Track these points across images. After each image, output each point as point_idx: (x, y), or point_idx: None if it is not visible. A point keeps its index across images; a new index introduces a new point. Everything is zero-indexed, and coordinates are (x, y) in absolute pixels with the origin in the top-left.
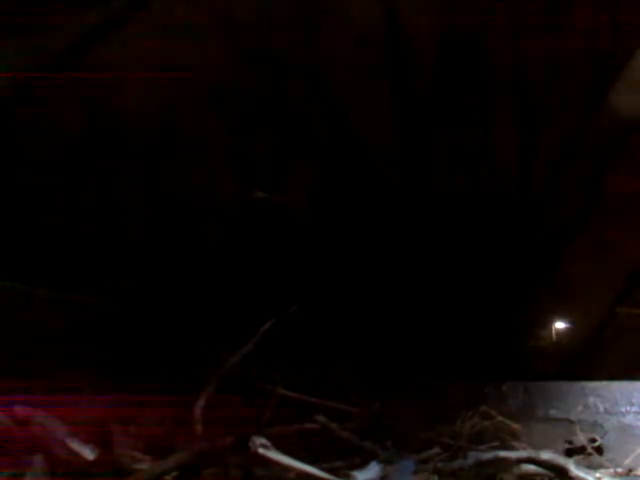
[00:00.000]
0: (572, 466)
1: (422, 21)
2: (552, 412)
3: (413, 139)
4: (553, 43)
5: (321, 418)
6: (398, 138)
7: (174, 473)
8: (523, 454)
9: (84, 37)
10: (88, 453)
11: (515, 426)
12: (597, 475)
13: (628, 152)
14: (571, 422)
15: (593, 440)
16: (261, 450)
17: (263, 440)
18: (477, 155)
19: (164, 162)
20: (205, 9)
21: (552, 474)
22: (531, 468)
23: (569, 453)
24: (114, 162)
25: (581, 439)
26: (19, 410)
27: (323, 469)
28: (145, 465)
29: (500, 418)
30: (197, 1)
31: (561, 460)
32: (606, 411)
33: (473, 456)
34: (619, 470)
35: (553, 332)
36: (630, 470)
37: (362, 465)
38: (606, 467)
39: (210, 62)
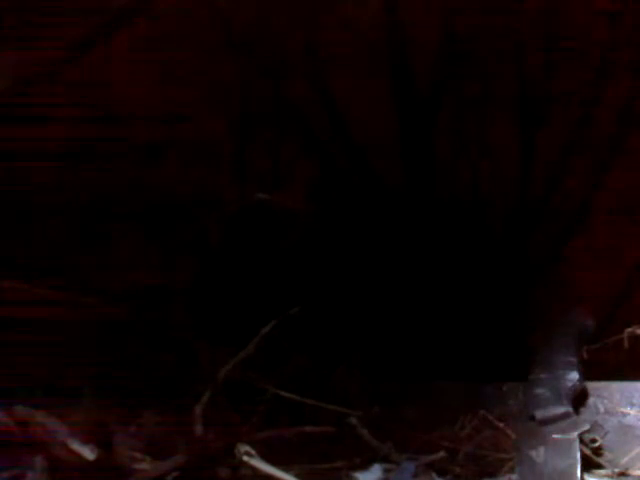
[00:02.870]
0: (585, 475)
1: (423, 21)
2: None
3: (413, 139)
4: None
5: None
6: (398, 138)
7: (174, 474)
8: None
9: (83, 39)
10: (88, 453)
11: (513, 435)
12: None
13: (628, 151)
14: None
15: (593, 440)
16: (245, 458)
17: (248, 448)
18: (477, 154)
19: (164, 163)
20: (205, 9)
21: None
22: None
23: None
24: (113, 162)
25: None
26: (19, 410)
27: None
28: (145, 465)
29: (499, 424)
30: (197, 1)
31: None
32: (606, 411)
33: None
34: (617, 470)
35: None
36: (627, 469)
37: (363, 466)
38: (605, 468)
39: (210, 62)
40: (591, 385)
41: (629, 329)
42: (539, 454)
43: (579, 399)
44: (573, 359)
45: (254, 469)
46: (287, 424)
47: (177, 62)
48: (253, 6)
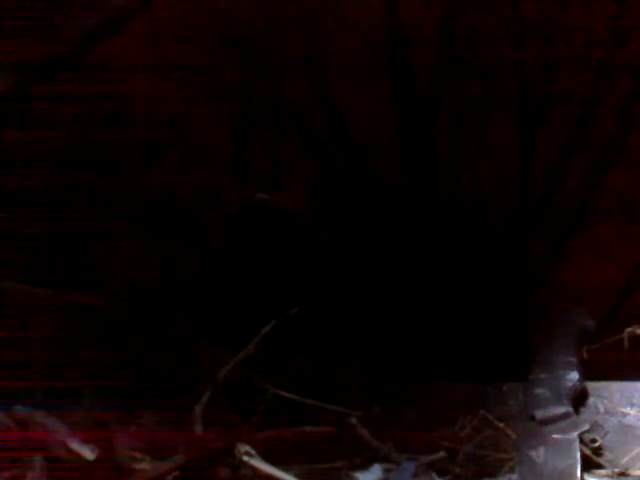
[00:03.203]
0: (585, 475)
1: (423, 21)
2: None
3: (413, 139)
4: (553, 41)
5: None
6: (398, 138)
7: (174, 474)
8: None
9: (84, 37)
10: (88, 453)
11: (513, 436)
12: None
13: (628, 151)
14: None
15: (593, 440)
16: (245, 458)
17: (248, 448)
18: (477, 154)
19: (164, 164)
20: (206, 9)
21: None
22: None
23: None
24: (113, 162)
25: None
26: (19, 410)
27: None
28: (145, 465)
29: (499, 424)
30: (197, 1)
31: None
32: (606, 411)
33: None
34: (617, 470)
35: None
36: (627, 469)
37: (363, 466)
38: (605, 468)
39: (210, 62)
40: (591, 385)
41: (629, 329)
42: (539, 454)
43: (579, 399)
44: (573, 359)
45: (254, 469)
46: (287, 424)
47: (177, 62)
48: (253, 6)
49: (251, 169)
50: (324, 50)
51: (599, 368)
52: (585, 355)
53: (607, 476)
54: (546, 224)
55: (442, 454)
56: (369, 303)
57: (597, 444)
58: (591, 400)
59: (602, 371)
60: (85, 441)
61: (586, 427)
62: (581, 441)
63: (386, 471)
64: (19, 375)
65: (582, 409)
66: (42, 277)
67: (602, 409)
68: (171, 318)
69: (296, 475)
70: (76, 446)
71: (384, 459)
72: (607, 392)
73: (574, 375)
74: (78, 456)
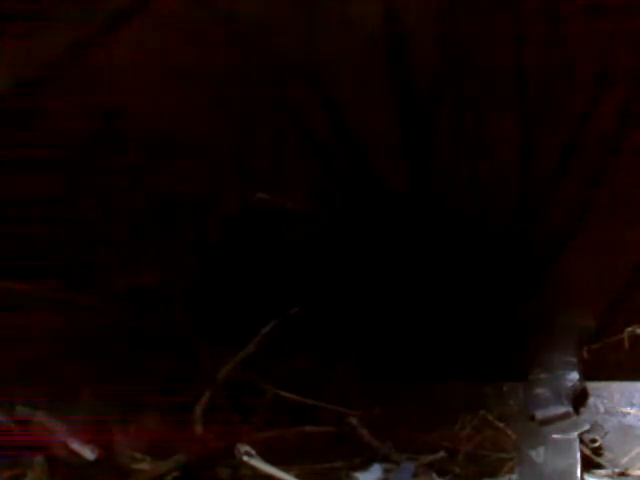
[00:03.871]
0: (585, 475)
1: (423, 21)
2: None
3: (413, 139)
4: (554, 44)
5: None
6: (398, 138)
7: (174, 474)
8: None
9: (84, 37)
10: (88, 453)
11: (513, 436)
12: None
13: (629, 150)
14: None
15: (593, 440)
16: (245, 458)
17: (248, 448)
18: (477, 155)
19: (164, 164)
20: (205, 9)
21: None
22: None
23: None
24: (113, 163)
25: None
26: (19, 410)
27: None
28: (145, 465)
29: (499, 424)
30: (197, 1)
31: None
32: (606, 411)
33: None
34: (617, 470)
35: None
36: (627, 469)
37: (363, 466)
38: (605, 468)
39: (210, 62)
40: (591, 385)
41: (629, 329)
42: (539, 454)
43: (579, 399)
44: (573, 359)
45: (254, 469)
46: (287, 424)
47: (177, 62)
48: (253, 6)
49: (251, 169)
50: (324, 50)
51: (599, 368)
52: (585, 355)
53: (607, 476)
54: (546, 224)
55: (442, 454)
56: (369, 303)
57: (597, 444)
58: (591, 400)
59: (602, 371)
60: (85, 441)
61: (586, 427)
62: (581, 441)
63: (386, 471)
64: (19, 374)
65: (582, 409)
66: (42, 277)
67: (602, 409)
68: (171, 318)
69: (296, 475)
70: (76, 446)
71: (384, 459)
72: (607, 392)
73: (574, 375)
74: (78, 456)
